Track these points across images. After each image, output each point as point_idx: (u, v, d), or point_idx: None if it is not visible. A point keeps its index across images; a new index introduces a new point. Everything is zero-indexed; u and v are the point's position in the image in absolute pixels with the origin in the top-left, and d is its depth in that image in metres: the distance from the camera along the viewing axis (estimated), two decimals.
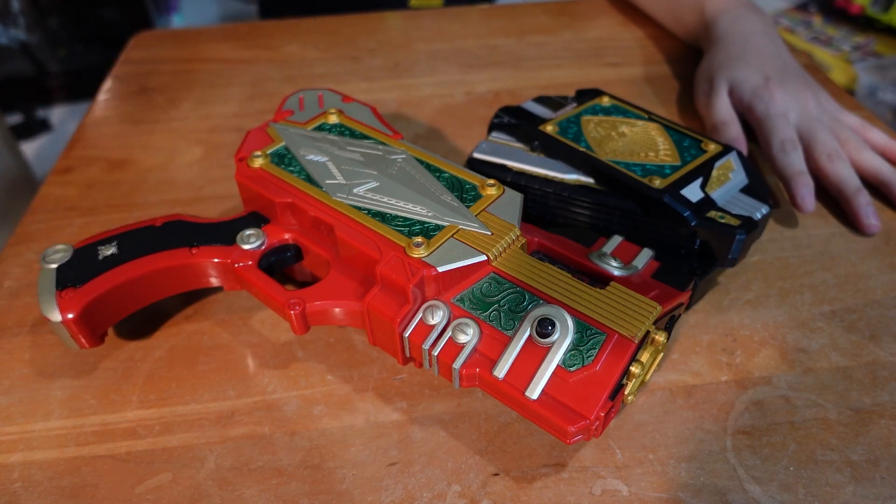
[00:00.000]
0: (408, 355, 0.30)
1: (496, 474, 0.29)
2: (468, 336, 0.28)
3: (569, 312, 0.28)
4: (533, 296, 0.29)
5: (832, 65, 1.34)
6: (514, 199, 0.33)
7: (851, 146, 0.45)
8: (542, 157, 0.39)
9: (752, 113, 0.48)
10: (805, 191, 0.42)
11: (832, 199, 0.44)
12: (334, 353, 0.35)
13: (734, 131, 0.47)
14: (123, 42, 0.68)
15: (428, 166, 0.35)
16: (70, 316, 0.31)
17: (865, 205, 0.42)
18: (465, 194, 0.33)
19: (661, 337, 0.28)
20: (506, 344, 0.28)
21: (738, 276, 0.39)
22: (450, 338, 0.28)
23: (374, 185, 0.34)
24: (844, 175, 0.43)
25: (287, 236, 0.35)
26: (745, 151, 0.45)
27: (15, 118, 1.68)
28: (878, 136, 0.47)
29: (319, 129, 0.38)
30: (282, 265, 0.35)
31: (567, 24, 0.69)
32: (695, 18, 0.61)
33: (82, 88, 1.76)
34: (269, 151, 0.36)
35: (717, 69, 0.52)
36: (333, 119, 0.39)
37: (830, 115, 0.48)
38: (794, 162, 0.43)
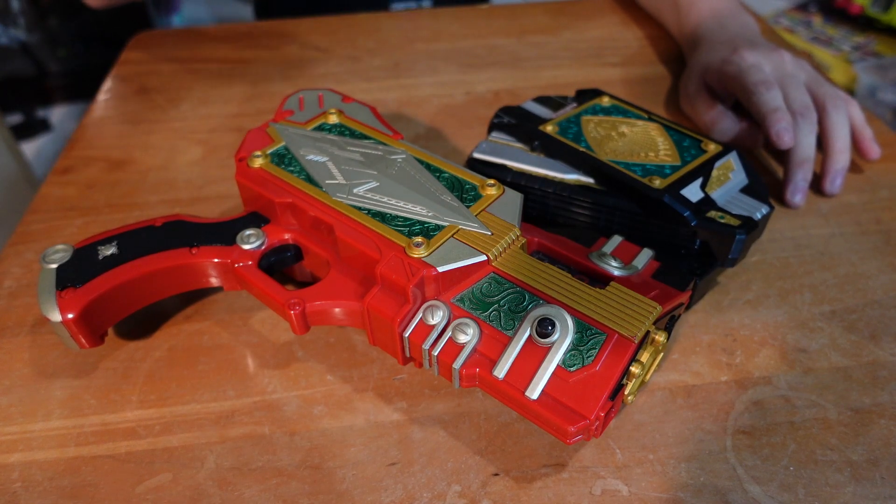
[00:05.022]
0: (408, 355, 0.30)
1: (496, 474, 0.29)
2: (468, 336, 0.28)
3: (569, 312, 0.28)
4: (533, 296, 0.29)
5: (832, 65, 1.34)
6: (514, 199, 0.33)
7: (829, 102, 0.44)
8: (542, 157, 0.39)
9: (725, 77, 0.47)
10: (782, 126, 0.41)
11: (831, 198, 0.44)
12: (334, 353, 0.35)
13: (727, 124, 0.47)
14: (123, 42, 0.68)
15: (428, 166, 0.35)
16: (70, 316, 0.31)
17: (801, 180, 0.42)
18: (465, 194, 0.33)
19: (661, 337, 0.28)
20: (506, 344, 0.28)
21: (738, 276, 0.39)
22: (450, 338, 0.28)
23: (374, 185, 0.34)
24: (801, 139, 0.42)
25: (287, 236, 0.35)
26: (755, 142, 0.46)
27: (15, 118, 1.68)
28: (857, 114, 0.46)
29: (319, 129, 0.38)
30: (282, 265, 0.35)
31: (567, 24, 0.69)
32: (677, 30, 0.62)
33: (82, 88, 1.76)
34: (269, 151, 0.36)
35: (691, 66, 0.53)
36: (333, 119, 0.39)
37: (809, 74, 0.47)
38: (772, 99, 0.43)
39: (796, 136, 0.42)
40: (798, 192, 0.42)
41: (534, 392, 0.26)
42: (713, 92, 0.50)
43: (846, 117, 0.44)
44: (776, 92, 0.43)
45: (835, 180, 0.43)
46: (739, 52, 0.47)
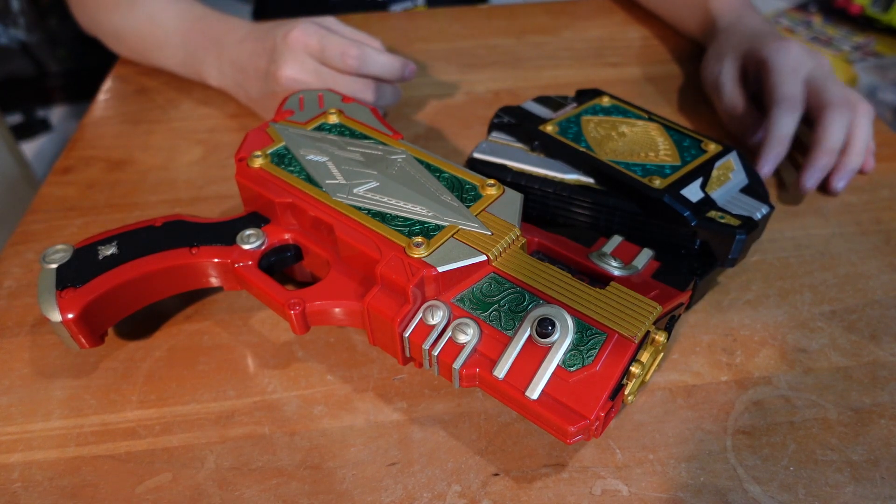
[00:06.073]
0: (408, 355, 0.30)
1: (496, 474, 0.29)
2: (468, 336, 0.28)
3: (569, 312, 0.28)
4: (533, 296, 0.29)
5: (832, 65, 1.34)
6: (514, 199, 0.33)
7: (860, 105, 0.45)
8: (542, 157, 0.39)
9: (764, 64, 0.47)
10: (773, 161, 0.43)
11: (831, 198, 0.44)
12: (334, 353, 0.35)
13: (748, 118, 0.47)
14: None
15: (428, 166, 0.35)
16: (70, 316, 0.31)
17: (822, 168, 0.43)
18: (465, 194, 0.33)
19: (661, 337, 0.28)
20: (506, 344, 0.28)
21: (738, 276, 0.39)
22: (450, 338, 0.28)
23: (374, 185, 0.34)
24: (834, 131, 0.43)
25: (287, 236, 0.35)
26: (754, 128, 0.46)
27: (15, 118, 1.68)
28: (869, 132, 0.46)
29: (319, 129, 0.38)
30: (282, 265, 0.35)
31: (567, 24, 0.69)
32: (697, 21, 0.61)
33: (82, 88, 1.76)
34: (269, 151, 0.36)
35: (721, 47, 0.52)
36: (333, 119, 0.39)
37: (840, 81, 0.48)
38: (786, 125, 0.43)
39: (833, 125, 0.43)
40: (814, 177, 0.43)
41: (534, 392, 0.26)
42: (744, 76, 0.50)
43: (870, 123, 0.45)
44: (795, 118, 0.44)
45: (842, 178, 0.44)
46: (787, 43, 0.47)
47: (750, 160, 0.40)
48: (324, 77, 0.47)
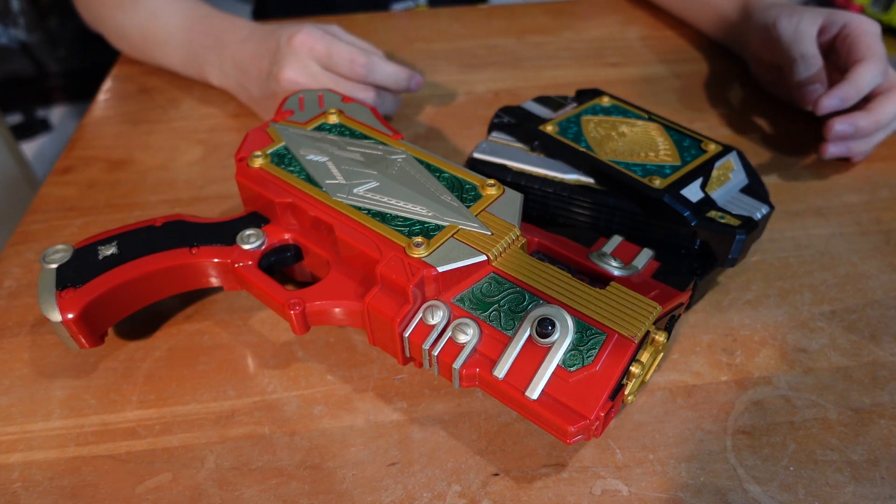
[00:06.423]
0: (408, 355, 0.30)
1: (496, 474, 0.29)
2: (468, 336, 0.28)
3: (569, 312, 0.28)
4: (533, 296, 0.29)
5: None
6: (514, 199, 0.33)
7: None
8: (542, 157, 0.39)
9: (856, 26, 0.47)
10: (839, 100, 0.44)
11: (829, 198, 0.44)
12: (334, 353, 0.35)
13: (816, 66, 0.47)
14: None
15: (428, 166, 0.35)
16: (70, 316, 0.31)
17: (848, 125, 0.43)
18: (465, 194, 0.33)
19: (661, 337, 0.28)
20: (506, 344, 0.28)
21: (738, 276, 0.39)
22: (450, 338, 0.28)
23: (374, 185, 0.34)
24: (887, 115, 0.44)
25: (287, 236, 0.35)
26: (824, 88, 0.47)
27: (15, 118, 1.68)
28: None
29: (319, 129, 0.38)
30: (282, 265, 0.35)
31: (567, 24, 0.69)
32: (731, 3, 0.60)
33: (82, 88, 1.76)
34: (269, 151, 0.36)
35: (798, 9, 0.51)
36: (333, 119, 0.39)
37: None
38: (868, 80, 0.44)
39: (889, 111, 0.44)
40: (837, 146, 0.44)
41: (534, 392, 0.26)
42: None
43: None
44: (878, 78, 0.45)
45: (844, 127, 0.44)
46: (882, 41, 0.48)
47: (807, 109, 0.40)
48: (326, 82, 0.47)
